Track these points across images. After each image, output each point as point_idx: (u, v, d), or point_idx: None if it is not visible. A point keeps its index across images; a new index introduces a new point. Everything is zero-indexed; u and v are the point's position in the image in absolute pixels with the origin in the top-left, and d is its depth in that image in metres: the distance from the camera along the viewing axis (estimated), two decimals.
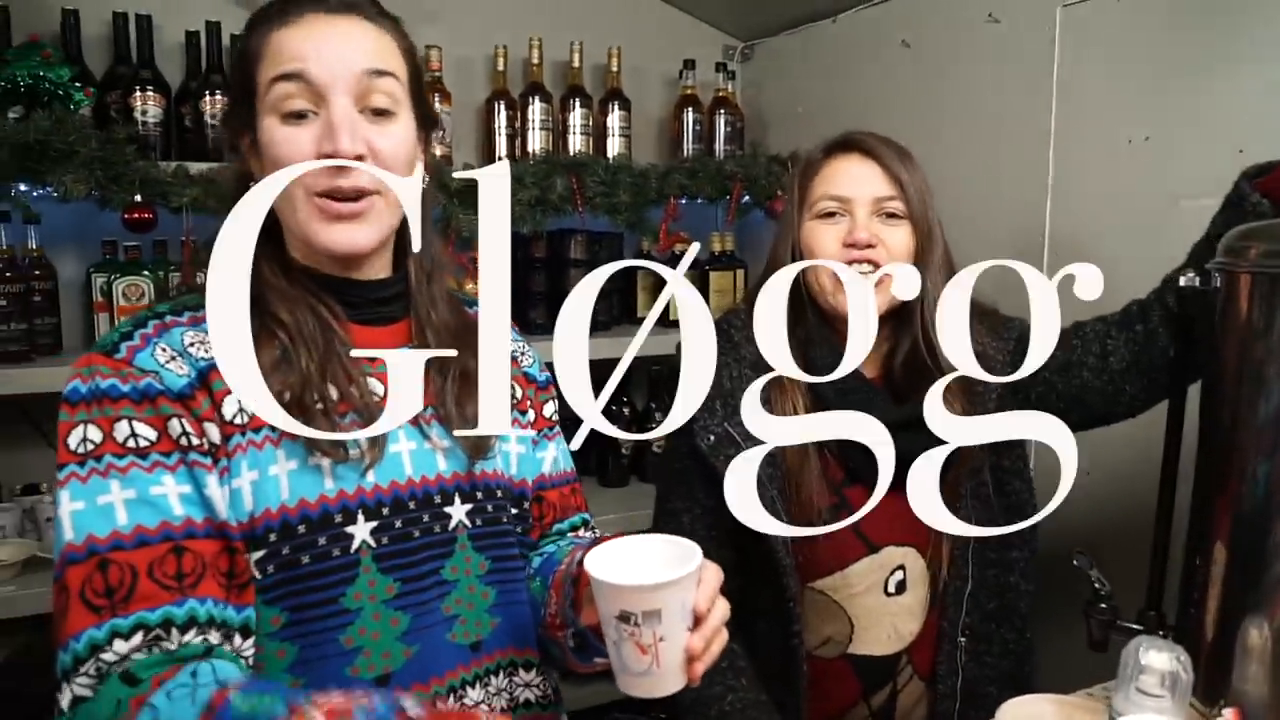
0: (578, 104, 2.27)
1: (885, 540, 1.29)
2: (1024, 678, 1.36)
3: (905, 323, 1.29)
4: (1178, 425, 1.06)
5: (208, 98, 1.94)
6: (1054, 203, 1.78)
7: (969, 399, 1.24)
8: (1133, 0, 1.62)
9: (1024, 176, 1.82)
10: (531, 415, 1.10)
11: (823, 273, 1.28)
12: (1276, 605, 0.93)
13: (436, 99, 2.15)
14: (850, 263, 1.23)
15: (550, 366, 1.02)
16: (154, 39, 1.94)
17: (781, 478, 1.25)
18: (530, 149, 2.24)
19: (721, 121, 2.43)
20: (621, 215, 2.06)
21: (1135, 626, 1.07)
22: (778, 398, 1.26)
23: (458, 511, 0.97)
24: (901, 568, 1.30)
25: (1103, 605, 1.08)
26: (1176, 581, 1.07)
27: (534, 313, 2.21)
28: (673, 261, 2.27)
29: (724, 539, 1.28)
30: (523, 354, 1.14)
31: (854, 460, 1.28)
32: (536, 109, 2.24)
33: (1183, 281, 1.03)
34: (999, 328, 1.33)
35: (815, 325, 1.30)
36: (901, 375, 1.30)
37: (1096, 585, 1.09)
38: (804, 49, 2.40)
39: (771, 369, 1.29)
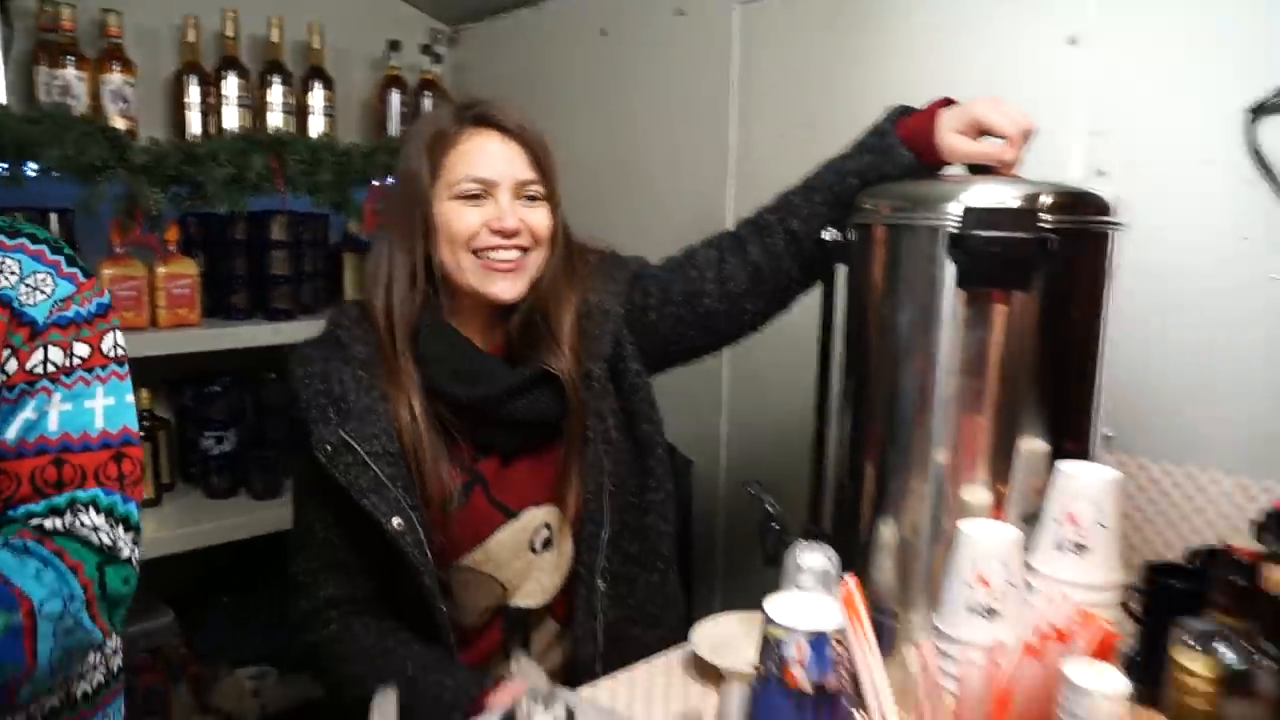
0: (278, 80, 2.20)
1: (524, 504, 1.32)
2: (671, 619, 1.39)
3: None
4: (826, 359, 1.22)
5: None
6: (736, 186, 1.94)
7: (584, 346, 1.31)
8: (799, 2, 1.80)
9: (707, 159, 1.97)
10: None
11: (463, 254, 1.27)
12: (901, 509, 1.10)
13: (117, 69, 2.00)
14: (494, 248, 1.26)
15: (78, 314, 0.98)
16: None
17: (407, 472, 1.24)
18: (226, 126, 2.14)
19: (429, 104, 2.43)
20: (324, 195, 2.01)
21: (801, 540, 1.21)
22: (393, 392, 1.26)
23: None
24: (547, 525, 1.33)
25: (773, 524, 1.22)
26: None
27: (235, 297, 2.12)
28: None
29: (362, 548, 1.27)
30: None
31: (483, 435, 1.31)
32: (233, 84, 2.14)
33: (827, 236, 1.19)
34: (612, 270, 1.38)
35: (438, 323, 1.31)
36: (519, 340, 1.33)
37: (768, 507, 1.22)
38: (509, 34, 2.46)
39: (382, 366, 1.29)
